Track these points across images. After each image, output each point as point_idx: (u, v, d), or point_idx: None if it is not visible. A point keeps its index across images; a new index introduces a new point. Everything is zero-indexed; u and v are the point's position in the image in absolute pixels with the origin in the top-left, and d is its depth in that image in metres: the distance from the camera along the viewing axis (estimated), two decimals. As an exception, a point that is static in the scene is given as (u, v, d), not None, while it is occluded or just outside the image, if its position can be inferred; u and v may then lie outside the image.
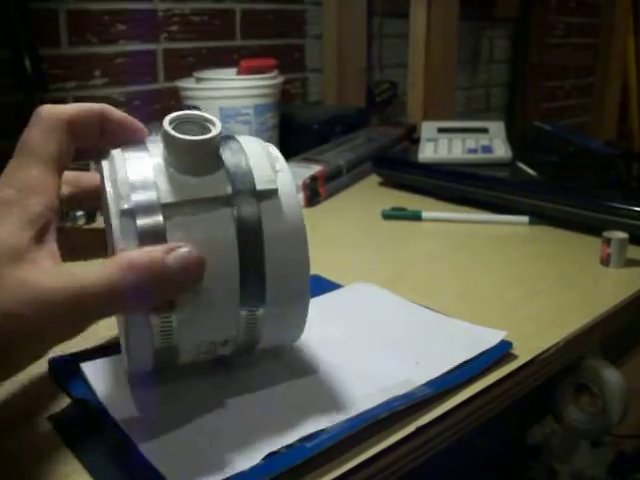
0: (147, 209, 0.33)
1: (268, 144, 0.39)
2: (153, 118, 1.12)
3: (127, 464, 0.33)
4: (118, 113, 0.37)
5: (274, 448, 0.33)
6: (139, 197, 0.33)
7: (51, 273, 0.30)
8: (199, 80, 0.93)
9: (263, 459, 0.32)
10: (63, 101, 1.00)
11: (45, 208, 0.32)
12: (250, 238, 0.34)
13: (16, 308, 0.28)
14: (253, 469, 0.32)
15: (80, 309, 0.29)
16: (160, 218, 0.33)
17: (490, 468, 0.88)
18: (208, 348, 0.37)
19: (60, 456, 0.34)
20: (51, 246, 0.32)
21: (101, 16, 1.03)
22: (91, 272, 0.30)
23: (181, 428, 0.36)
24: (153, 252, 0.31)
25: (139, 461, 0.33)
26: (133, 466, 0.33)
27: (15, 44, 0.85)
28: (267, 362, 0.42)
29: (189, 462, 0.33)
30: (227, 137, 0.38)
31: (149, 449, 0.34)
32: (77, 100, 1.01)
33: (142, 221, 0.33)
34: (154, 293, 0.32)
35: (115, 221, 0.33)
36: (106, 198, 0.34)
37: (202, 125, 0.35)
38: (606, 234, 0.61)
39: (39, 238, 0.31)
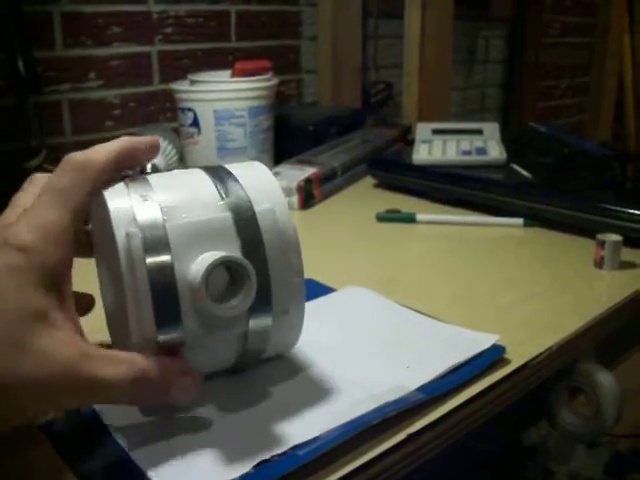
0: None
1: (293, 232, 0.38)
2: (148, 120, 1.13)
3: (118, 471, 0.33)
4: (142, 142, 0.37)
5: (266, 456, 0.33)
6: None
7: (75, 350, 0.31)
8: (193, 82, 0.93)
9: (254, 467, 0.32)
10: (58, 104, 1.00)
11: (62, 263, 0.33)
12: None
13: (42, 379, 0.30)
14: (244, 477, 0.32)
15: (90, 392, 0.32)
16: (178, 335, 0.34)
17: (486, 469, 0.88)
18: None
19: (51, 463, 0.34)
20: (71, 308, 0.33)
21: (96, 18, 1.03)
22: (109, 365, 0.32)
23: (173, 435, 0.35)
24: (166, 374, 0.34)
25: (130, 468, 0.33)
26: (124, 473, 0.33)
27: (9, 47, 0.85)
28: (259, 369, 0.42)
29: (180, 470, 0.33)
30: (248, 236, 0.36)
31: (140, 456, 0.34)
32: (72, 103, 1.01)
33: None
34: (150, 400, 0.35)
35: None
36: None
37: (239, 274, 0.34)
38: (600, 236, 0.61)
39: (60, 296, 0.32)
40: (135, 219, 0.34)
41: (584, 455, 1.03)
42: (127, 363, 0.32)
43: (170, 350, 0.34)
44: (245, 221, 0.36)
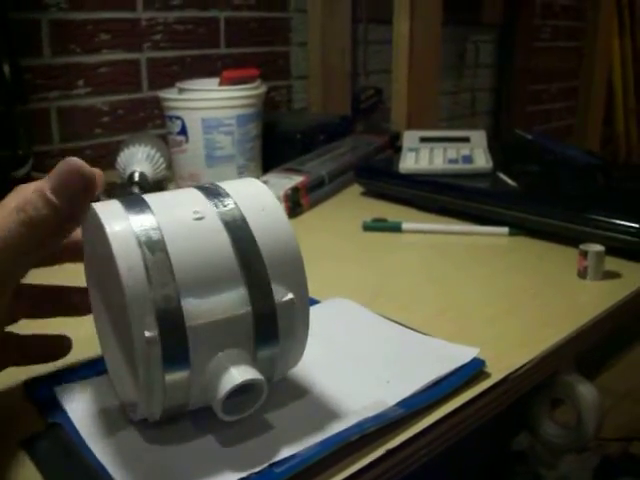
0: None
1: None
2: (136, 127, 1.13)
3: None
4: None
5: (243, 474, 0.33)
6: None
7: None
8: (181, 91, 0.93)
9: (232, 485, 0.33)
10: (46, 111, 1.00)
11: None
12: None
13: None
14: (222, 496, 0.32)
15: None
16: None
17: (476, 474, 0.88)
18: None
19: (31, 483, 0.35)
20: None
21: (84, 26, 1.03)
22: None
23: (153, 453, 0.36)
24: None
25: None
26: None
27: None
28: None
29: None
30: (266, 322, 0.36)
31: (121, 475, 0.34)
32: (60, 110, 1.01)
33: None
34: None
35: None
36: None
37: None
38: (583, 247, 0.61)
39: None
40: (154, 320, 0.33)
41: (573, 460, 1.03)
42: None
43: None
44: (265, 316, 0.35)
